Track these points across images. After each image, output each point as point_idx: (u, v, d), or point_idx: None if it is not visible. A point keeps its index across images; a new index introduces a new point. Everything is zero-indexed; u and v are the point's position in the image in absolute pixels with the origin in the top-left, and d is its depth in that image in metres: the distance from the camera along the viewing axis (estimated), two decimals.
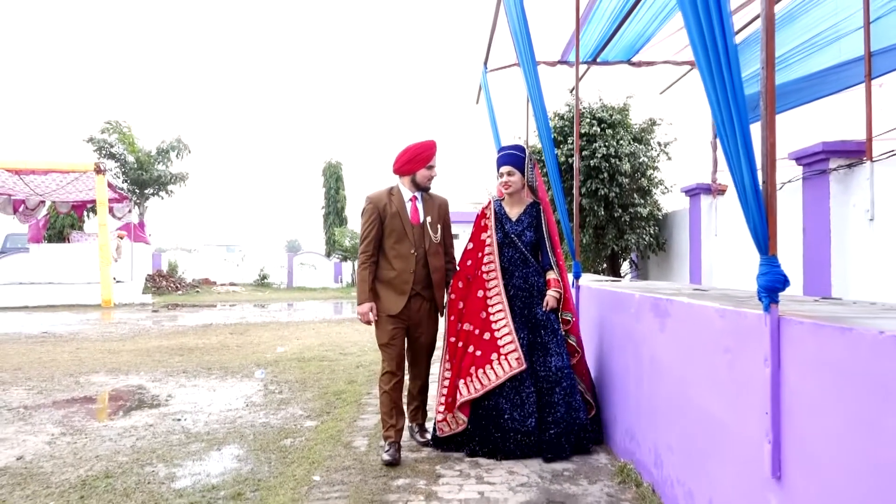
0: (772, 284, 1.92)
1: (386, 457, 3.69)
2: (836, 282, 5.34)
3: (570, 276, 4.64)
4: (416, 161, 3.96)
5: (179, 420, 4.80)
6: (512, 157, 4.02)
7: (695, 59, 2.01)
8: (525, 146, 4.15)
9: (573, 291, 4.56)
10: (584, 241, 9.83)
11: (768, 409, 1.95)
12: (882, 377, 1.51)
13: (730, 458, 2.29)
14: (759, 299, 1.96)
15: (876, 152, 5.14)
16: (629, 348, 3.53)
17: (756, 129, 1.94)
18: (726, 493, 2.32)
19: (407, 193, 4.02)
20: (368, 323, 3.90)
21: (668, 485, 2.91)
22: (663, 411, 3.01)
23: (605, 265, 10.65)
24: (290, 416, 4.87)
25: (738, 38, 7.34)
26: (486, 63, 7.61)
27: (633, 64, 8.05)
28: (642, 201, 9.86)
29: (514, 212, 4.05)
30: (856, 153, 5.29)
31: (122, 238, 19.42)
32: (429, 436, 4.07)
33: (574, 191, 4.85)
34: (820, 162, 5.55)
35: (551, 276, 3.96)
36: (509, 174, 3.98)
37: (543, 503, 3.11)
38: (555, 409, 3.74)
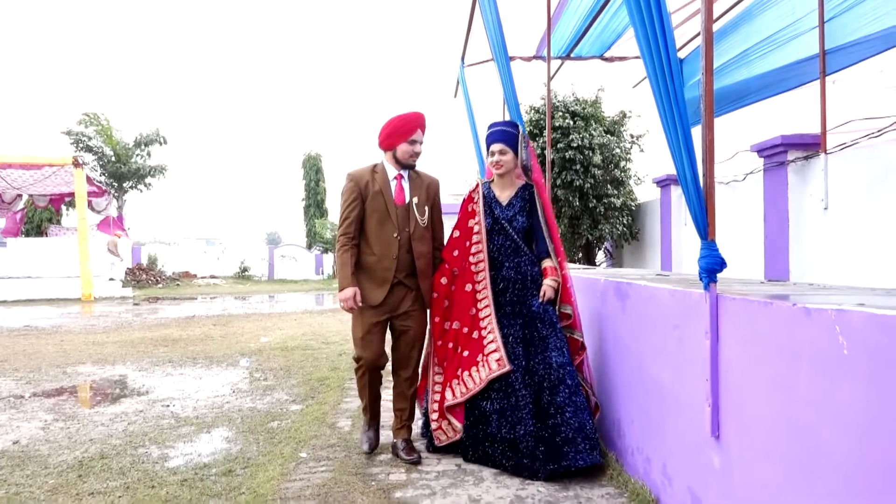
0: (711, 266, 2.17)
1: (365, 447, 3.67)
2: (794, 266, 5.65)
3: None
4: (396, 134, 3.56)
5: (169, 406, 4.97)
6: (504, 135, 3.60)
7: (645, 70, 2.24)
8: (520, 122, 3.86)
9: (571, 280, 4.37)
10: (560, 231, 10.11)
11: (708, 377, 2.20)
12: (794, 344, 1.76)
13: (679, 424, 2.55)
14: (700, 279, 2.21)
15: (830, 145, 5.44)
16: (595, 329, 3.78)
17: (697, 130, 2.19)
18: (676, 454, 2.59)
19: (392, 171, 3.63)
20: (351, 310, 3.52)
21: (629, 453, 3.18)
22: (624, 385, 3.27)
23: (580, 254, 10.94)
24: (276, 401, 5.07)
25: (684, 52, 7.72)
26: (463, 58, 7.79)
27: (606, 59, 8.28)
28: (616, 192, 10.15)
29: (504, 195, 3.67)
30: (812, 146, 5.59)
31: (119, 237, 19.42)
32: (416, 455, 3.54)
33: (546, 183, 5.08)
34: (779, 154, 5.85)
35: (547, 264, 3.56)
36: (501, 153, 3.58)
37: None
38: (562, 411, 3.26)
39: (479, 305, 3.56)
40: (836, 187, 5.30)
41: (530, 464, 3.20)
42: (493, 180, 3.74)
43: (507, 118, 6.71)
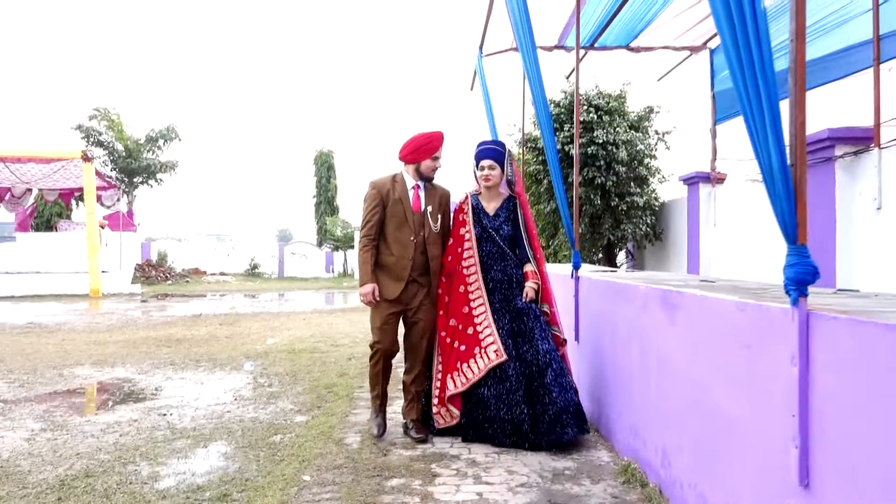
0: (801, 276, 1.77)
1: (375, 431, 3.99)
2: (841, 272, 5.21)
3: (570, 267, 4.50)
4: (421, 151, 4.02)
5: (165, 415, 4.63)
6: (493, 152, 4.11)
7: (717, 28, 1.84)
8: (505, 143, 4.38)
9: (572, 282, 4.42)
10: (580, 230, 9.68)
11: (795, 412, 1.80)
12: None
13: (749, 463, 2.14)
14: (787, 292, 1.81)
15: (884, 139, 4.99)
16: (634, 342, 3.38)
17: (784, 108, 1.78)
18: (745, 500, 2.17)
19: (410, 181, 4.08)
20: (370, 304, 3.99)
21: (676, 486, 2.77)
22: (673, 410, 2.86)
23: (600, 255, 10.50)
24: (280, 411, 4.71)
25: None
26: (481, 48, 7.41)
27: (632, 49, 7.87)
28: (639, 190, 9.71)
29: (491, 206, 4.13)
30: (863, 140, 5.14)
31: (102, 227, 19.14)
32: (424, 433, 3.96)
33: (574, 179, 4.68)
34: (825, 149, 5.40)
35: (528, 268, 4.04)
36: (490, 168, 4.05)
37: None
38: (549, 390, 3.73)
39: (473, 304, 4.00)
40: (891, 185, 4.85)
41: (533, 438, 3.68)
42: (480, 193, 4.18)
43: (529, 109, 6.59)
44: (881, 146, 4.95)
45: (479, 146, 4.19)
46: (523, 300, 3.95)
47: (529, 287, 3.97)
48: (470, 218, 4.11)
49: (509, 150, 4.23)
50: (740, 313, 2.19)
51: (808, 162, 5.64)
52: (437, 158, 4.07)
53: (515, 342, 3.89)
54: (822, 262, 5.33)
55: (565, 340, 4.09)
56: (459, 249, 4.09)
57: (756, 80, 1.74)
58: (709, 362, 2.48)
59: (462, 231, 4.11)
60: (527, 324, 3.90)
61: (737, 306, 2.22)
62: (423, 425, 4.02)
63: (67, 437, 4.10)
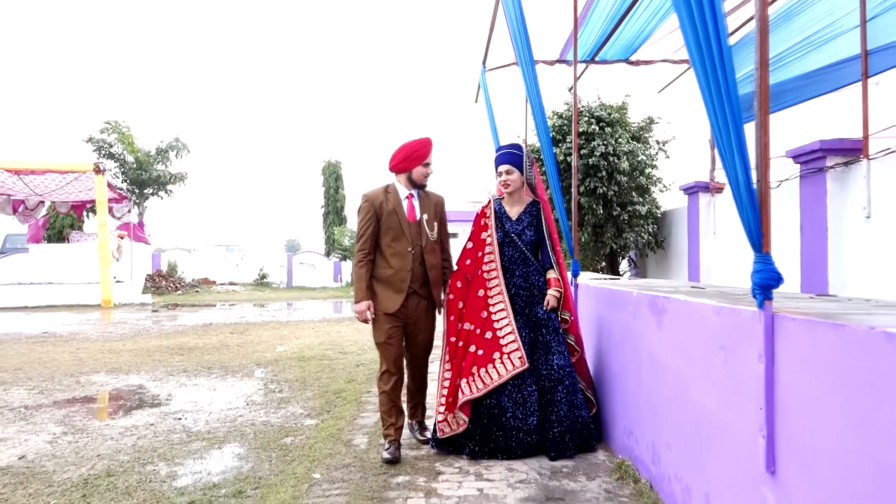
0: (766, 282, 1.94)
1: (386, 455, 3.69)
2: (833, 279, 5.37)
3: (569, 275, 4.66)
4: (411, 159, 3.96)
5: (180, 419, 4.82)
6: (510, 156, 4.04)
7: (690, 60, 2.03)
8: (523, 144, 4.21)
9: (572, 290, 4.58)
10: (583, 239, 9.85)
11: (762, 405, 1.97)
12: (873, 372, 1.53)
13: (726, 454, 2.32)
14: (753, 296, 1.99)
15: (873, 150, 5.16)
16: (627, 346, 3.56)
17: (750, 129, 1.97)
18: (723, 488, 2.35)
19: (403, 191, 4.01)
20: (366, 321, 3.89)
21: (665, 480, 2.94)
22: (661, 408, 3.03)
23: (603, 263, 10.67)
24: (291, 415, 4.89)
25: (732, 40, 7.37)
26: (484, 62, 7.62)
27: (632, 63, 8.06)
28: (641, 199, 9.89)
29: (514, 211, 4.06)
30: (853, 151, 5.31)
31: (122, 238, 19.44)
32: (428, 434, 4.04)
33: (572, 189, 4.87)
34: (817, 160, 5.57)
35: (551, 275, 3.96)
36: (508, 173, 4.00)
37: (542, 499, 3.13)
38: (558, 408, 3.73)
39: (493, 309, 3.90)
40: (880, 195, 5.01)
41: (541, 450, 3.70)
42: (503, 197, 4.13)
43: (531, 123, 6.70)
44: (870, 157, 5.12)
45: (496, 151, 4.16)
46: (545, 308, 3.89)
47: (552, 295, 3.90)
48: (492, 222, 4.04)
49: (528, 153, 4.13)
50: (717, 316, 2.37)
51: (801, 172, 5.81)
52: (428, 165, 4.00)
53: (532, 352, 3.83)
54: (815, 269, 5.52)
55: (577, 350, 4.01)
56: (480, 254, 4.02)
57: (724, 106, 1.93)
58: (691, 362, 2.65)
59: (483, 235, 4.04)
60: (544, 336, 3.84)
61: (714, 310, 2.40)
62: (426, 427, 4.15)
63: (88, 440, 4.30)
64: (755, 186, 1.95)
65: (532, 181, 4.13)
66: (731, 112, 1.91)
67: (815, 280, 5.47)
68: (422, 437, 4.07)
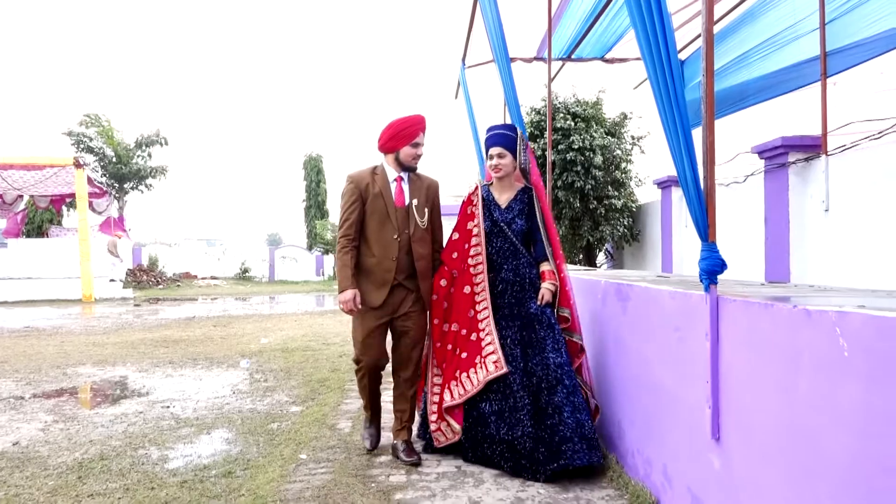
0: (711, 268, 2.17)
1: (367, 444, 3.73)
2: (795, 268, 5.65)
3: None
4: (399, 137, 3.56)
5: (169, 407, 4.97)
6: (503, 138, 3.60)
7: (646, 71, 2.24)
8: (516, 127, 3.79)
9: (570, 283, 4.33)
10: (561, 232, 10.10)
11: (708, 379, 2.20)
12: (794, 346, 1.75)
13: (680, 426, 2.55)
14: (700, 281, 2.21)
15: (831, 147, 5.44)
16: (596, 330, 3.78)
17: (698, 132, 2.18)
18: (677, 457, 2.58)
19: (392, 173, 3.63)
20: (351, 312, 3.50)
21: (629, 455, 3.17)
22: (625, 387, 3.27)
23: (580, 256, 10.93)
24: (276, 403, 5.06)
25: (685, 54, 7.72)
26: (464, 59, 7.79)
27: (607, 60, 8.29)
28: (616, 193, 10.15)
29: (503, 198, 3.67)
30: (813, 147, 5.59)
31: (120, 237, 19.43)
32: (416, 457, 3.53)
33: (547, 184, 5.08)
34: (780, 156, 5.84)
35: (545, 267, 3.58)
36: (500, 156, 3.58)
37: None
38: (560, 411, 3.26)
39: (478, 308, 3.55)
40: (837, 189, 5.29)
41: (529, 465, 3.20)
42: (492, 183, 3.74)
43: (508, 120, 6.55)
44: (828, 153, 5.39)
45: (487, 132, 3.70)
46: (538, 303, 3.49)
47: (545, 289, 3.50)
48: (479, 211, 3.64)
49: (521, 135, 3.68)
50: (672, 301, 2.60)
51: (765, 167, 6.07)
52: (417, 145, 3.57)
53: (524, 353, 3.41)
54: (777, 259, 5.80)
55: (583, 349, 3.59)
56: (466, 246, 3.63)
57: (673, 113, 2.14)
58: (652, 343, 2.88)
59: (470, 225, 3.65)
60: (538, 333, 3.43)
61: (669, 295, 2.63)
62: (413, 449, 3.60)
63: (79, 427, 4.43)
64: (701, 183, 2.17)
65: (526, 166, 3.69)
66: (680, 118, 2.12)
67: (777, 269, 5.75)
68: (408, 459, 3.52)
